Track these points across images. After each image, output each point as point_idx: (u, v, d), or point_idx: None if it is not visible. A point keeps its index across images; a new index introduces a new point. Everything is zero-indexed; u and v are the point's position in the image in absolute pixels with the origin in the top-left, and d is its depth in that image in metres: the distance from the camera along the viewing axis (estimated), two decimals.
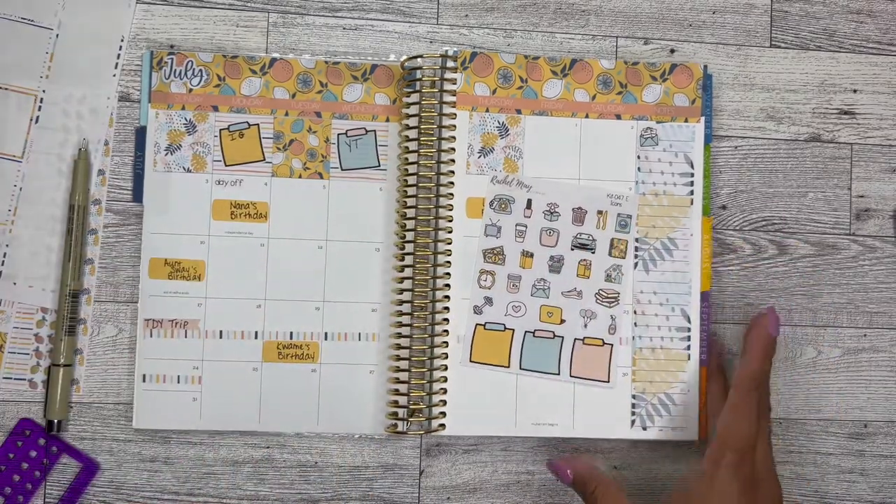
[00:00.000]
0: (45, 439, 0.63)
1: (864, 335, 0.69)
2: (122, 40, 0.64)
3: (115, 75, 0.64)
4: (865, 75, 0.70)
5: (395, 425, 0.63)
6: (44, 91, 0.64)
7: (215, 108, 0.64)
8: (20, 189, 0.63)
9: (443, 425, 0.64)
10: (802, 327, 0.69)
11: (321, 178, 0.65)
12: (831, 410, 0.69)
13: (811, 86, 0.69)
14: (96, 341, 0.64)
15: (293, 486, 0.65)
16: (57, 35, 0.64)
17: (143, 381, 0.63)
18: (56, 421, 0.63)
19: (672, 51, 0.68)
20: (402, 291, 0.64)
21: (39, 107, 0.64)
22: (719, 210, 0.68)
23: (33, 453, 0.63)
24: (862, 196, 0.69)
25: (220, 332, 0.64)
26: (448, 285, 0.64)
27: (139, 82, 0.65)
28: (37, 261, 0.63)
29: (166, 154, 0.64)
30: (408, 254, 0.64)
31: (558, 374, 0.65)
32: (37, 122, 0.64)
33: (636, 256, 0.66)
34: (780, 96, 0.69)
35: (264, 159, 0.65)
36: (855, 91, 0.70)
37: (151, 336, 0.63)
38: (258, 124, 0.64)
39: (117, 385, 0.64)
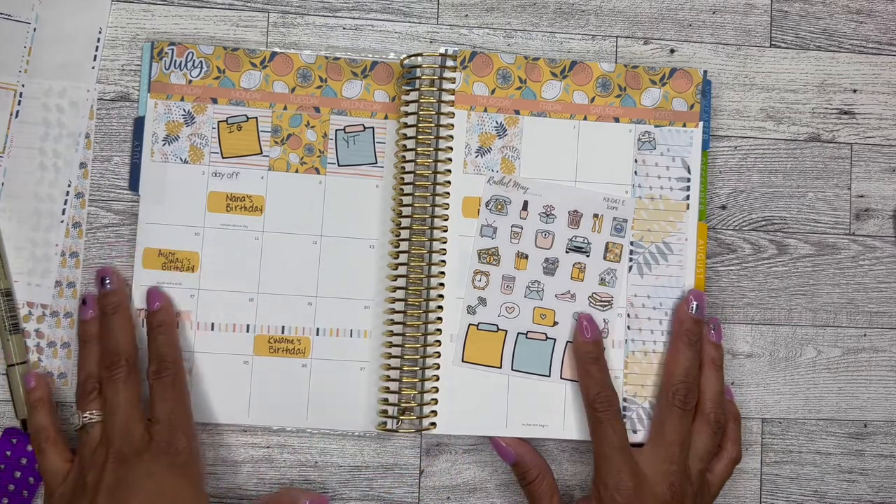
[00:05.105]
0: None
1: (864, 335, 0.69)
2: (99, 32, 0.65)
3: (94, 68, 0.65)
4: (865, 75, 0.70)
5: (386, 423, 0.63)
6: (23, 85, 0.64)
7: (214, 101, 0.64)
8: (2, 184, 0.63)
9: (434, 424, 0.63)
10: (802, 327, 0.69)
11: (318, 173, 0.65)
12: (831, 410, 0.68)
13: (811, 86, 0.69)
14: None
15: (293, 485, 0.65)
16: (34, 29, 0.64)
17: None
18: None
19: (672, 51, 0.68)
20: (395, 289, 0.64)
21: (19, 101, 0.64)
22: (719, 210, 0.68)
23: (24, 460, 0.63)
24: (862, 196, 0.69)
25: (212, 324, 0.64)
26: (442, 284, 0.64)
27: (139, 82, 0.65)
28: (21, 255, 0.63)
29: (164, 144, 0.64)
30: (402, 252, 0.64)
31: (549, 375, 0.64)
32: (17, 116, 0.64)
33: (631, 260, 0.65)
34: (780, 96, 0.69)
35: (261, 153, 0.65)
36: (855, 91, 0.70)
37: (143, 326, 0.63)
38: (256, 118, 0.65)
39: None
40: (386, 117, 0.65)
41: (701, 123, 0.66)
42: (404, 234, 0.64)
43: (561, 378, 0.65)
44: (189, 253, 0.64)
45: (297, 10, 0.66)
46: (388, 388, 0.63)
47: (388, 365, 0.63)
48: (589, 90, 0.66)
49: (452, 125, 0.65)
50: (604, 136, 0.66)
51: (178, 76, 0.64)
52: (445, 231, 0.64)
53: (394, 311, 0.64)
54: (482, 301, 0.65)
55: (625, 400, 0.64)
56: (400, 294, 0.64)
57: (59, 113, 0.64)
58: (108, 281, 0.62)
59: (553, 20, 0.68)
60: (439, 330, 0.64)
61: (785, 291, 0.68)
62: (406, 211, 0.64)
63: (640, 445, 0.63)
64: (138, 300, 0.63)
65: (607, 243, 0.66)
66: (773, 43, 0.69)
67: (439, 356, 0.64)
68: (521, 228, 0.65)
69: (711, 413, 0.62)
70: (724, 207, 0.68)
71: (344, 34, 0.67)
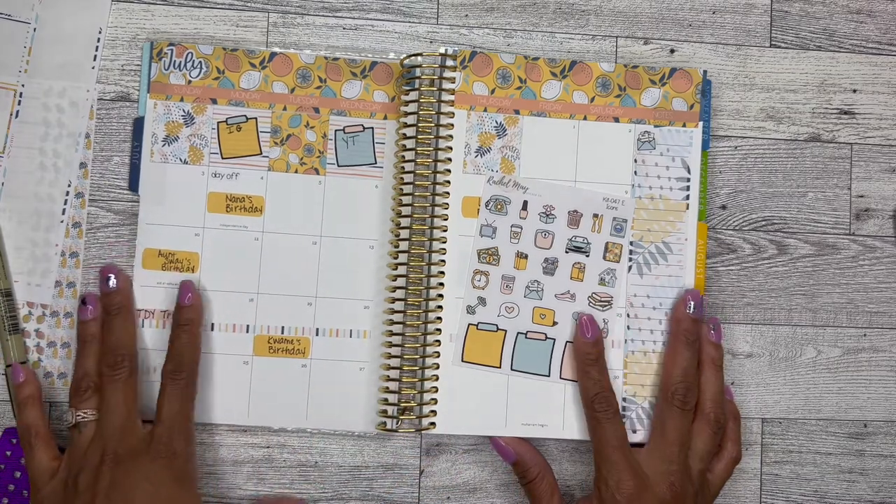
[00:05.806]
0: None
1: (864, 335, 0.69)
2: (99, 32, 0.65)
3: (94, 68, 0.65)
4: (865, 75, 0.70)
5: (385, 423, 0.63)
6: (23, 85, 0.64)
7: (214, 101, 0.64)
8: (2, 184, 0.63)
9: (433, 424, 0.63)
10: (802, 327, 0.69)
11: (317, 173, 0.65)
12: (831, 410, 0.68)
13: (811, 86, 0.69)
14: None
15: (293, 486, 0.65)
16: (34, 29, 0.64)
17: None
18: None
19: (672, 51, 0.68)
20: (395, 289, 0.64)
21: (19, 101, 0.64)
22: (719, 210, 0.68)
23: (24, 460, 0.63)
24: (862, 196, 0.69)
25: (212, 324, 0.64)
26: (442, 284, 0.64)
27: (139, 82, 0.65)
28: (21, 255, 0.63)
29: (164, 145, 0.64)
30: (402, 252, 0.64)
31: (549, 375, 0.64)
32: (17, 116, 0.64)
33: (630, 260, 0.65)
34: (780, 96, 0.69)
35: (261, 153, 0.65)
36: (855, 91, 0.70)
37: (143, 326, 0.63)
38: (256, 118, 0.65)
39: None
40: (385, 117, 0.65)
41: (701, 123, 0.66)
42: (404, 234, 0.64)
43: (561, 378, 0.65)
44: (189, 253, 0.64)
45: (297, 10, 0.66)
46: (387, 388, 0.63)
47: (388, 365, 0.63)
48: (589, 90, 0.66)
49: (452, 125, 0.65)
50: (603, 136, 0.66)
51: (178, 76, 0.64)
52: (445, 231, 0.64)
53: (393, 312, 0.64)
54: (482, 301, 0.65)
55: (624, 400, 0.64)
56: (399, 294, 0.64)
57: (59, 113, 0.64)
58: (112, 280, 0.62)
59: (553, 20, 0.68)
60: (439, 330, 0.64)
61: (785, 291, 0.68)
62: (406, 211, 0.64)
63: (640, 445, 0.63)
64: (139, 300, 0.63)
65: (607, 243, 0.66)
66: (773, 43, 0.69)
67: (439, 356, 0.64)
68: (521, 228, 0.65)
69: (711, 413, 0.62)
70: (724, 207, 0.68)
71: (344, 34, 0.67)
